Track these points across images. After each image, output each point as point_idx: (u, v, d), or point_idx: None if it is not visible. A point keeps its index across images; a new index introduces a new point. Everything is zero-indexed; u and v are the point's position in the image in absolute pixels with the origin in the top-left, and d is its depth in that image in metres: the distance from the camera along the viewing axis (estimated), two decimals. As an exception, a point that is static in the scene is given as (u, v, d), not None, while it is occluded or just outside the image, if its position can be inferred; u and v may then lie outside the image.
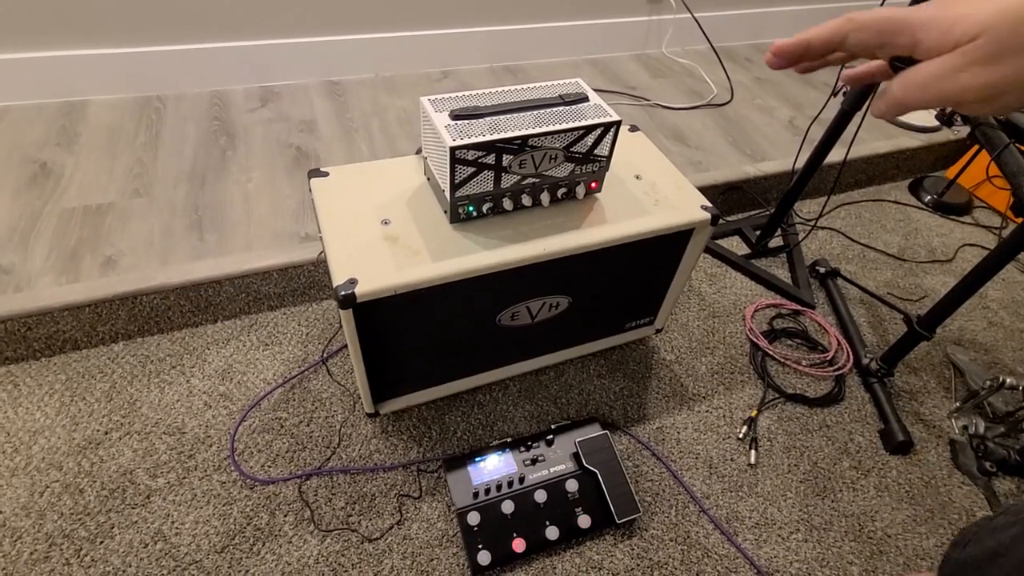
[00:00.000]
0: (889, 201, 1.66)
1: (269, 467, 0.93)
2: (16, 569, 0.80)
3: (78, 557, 0.82)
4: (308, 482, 0.92)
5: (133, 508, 0.87)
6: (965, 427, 1.10)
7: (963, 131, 1.77)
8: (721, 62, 1.95)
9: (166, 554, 0.83)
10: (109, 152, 1.33)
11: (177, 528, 0.86)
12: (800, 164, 1.28)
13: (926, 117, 1.78)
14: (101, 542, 0.83)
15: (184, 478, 0.91)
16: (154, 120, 1.44)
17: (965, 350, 1.26)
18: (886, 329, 1.29)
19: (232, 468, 0.92)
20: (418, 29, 1.69)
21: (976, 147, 1.60)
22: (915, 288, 1.40)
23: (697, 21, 1.93)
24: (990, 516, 0.54)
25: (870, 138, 1.69)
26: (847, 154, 1.24)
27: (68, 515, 0.85)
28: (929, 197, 1.66)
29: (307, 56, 1.61)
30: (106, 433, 0.95)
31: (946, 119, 1.07)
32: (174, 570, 0.82)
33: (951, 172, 1.70)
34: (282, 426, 0.99)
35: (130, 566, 0.81)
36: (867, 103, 1.08)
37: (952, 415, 1.13)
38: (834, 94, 1.12)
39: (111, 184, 1.25)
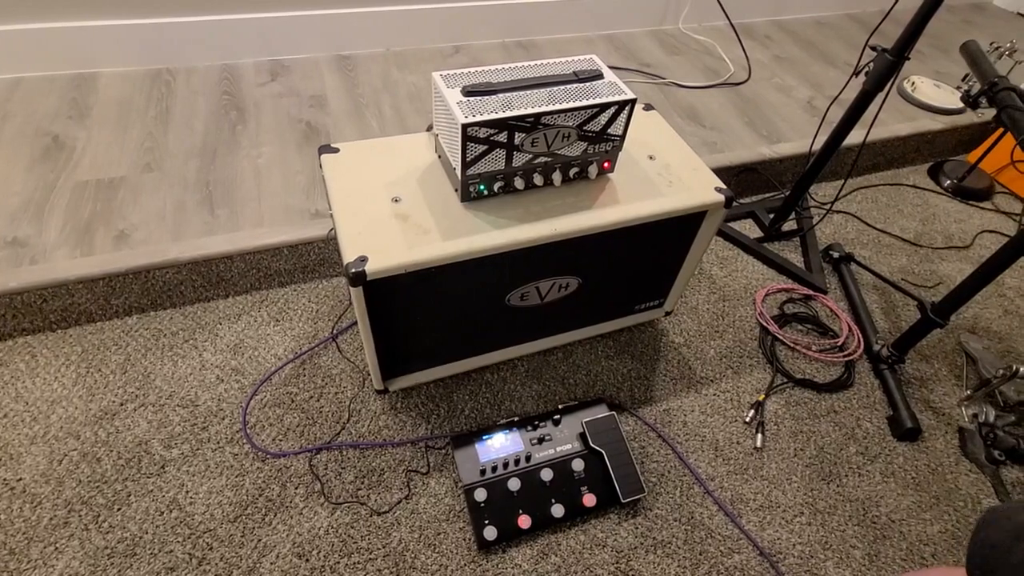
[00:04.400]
0: (907, 185, 1.63)
1: (280, 440, 0.95)
2: (36, 534, 0.82)
3: (96, 523, 0.84)
4: (318, 456, 0.94)
5: (148, 477, 0.89)
6: (975, 415, 1.09)
7: (988, 113, 1.72)
8: (739, 39, 1.90)
9: (181, 522, 0.85)
10: (120, 126, 1.33)
11: (191, 497, 0.88)
12: (817, 146, 1.25)
13: (950, 98, 1.73)
14: (118, 509, 0.86)
15: (198, 449, 0.93)
16: (164, 94, 1.44)
17: (979, 338, 1.24)
18: (899, 316, 1.28)
19: (244, 441, 0.94)
20: (430, 3, 1.65)
21: (1000, 131, 1.55)
22: (930, 275, 1.38)
23: (716, -4, 1.88)
24: (1021, 500, 0.56)
25: (891, 120, 1.65)
26: (866, 136, 1.21)
27: (86, 483, 0.88)
28: (949, 182, 1.62)
29: (318, 29, 1.59)
30: (121, 404, 0.97)
31: (972, 101, 1.04)
32: (189, 538, 0.84)
33: (973, 156, 1.66)
34: (293, 401, 1.00)
35: (147, 532, 0.84)
36: (890, 83, 1.05)
37: (962, 403, 1.12)
38: (855, 74, 1.09)
39: (123, 158, 1.25)
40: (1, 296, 0.98)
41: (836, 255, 1.34)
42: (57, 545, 0.82)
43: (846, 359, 1.16)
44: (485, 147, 0.74)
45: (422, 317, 0.87)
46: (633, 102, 0.78)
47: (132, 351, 1.04)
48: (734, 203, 0.90)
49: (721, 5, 1.88)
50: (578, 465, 0.93)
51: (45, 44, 1.39)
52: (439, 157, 0.87)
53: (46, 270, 1.01)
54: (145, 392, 0.99)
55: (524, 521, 0.87)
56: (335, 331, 1.10)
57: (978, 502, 1.00)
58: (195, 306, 1.12)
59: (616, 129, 0.80)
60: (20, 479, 0.87)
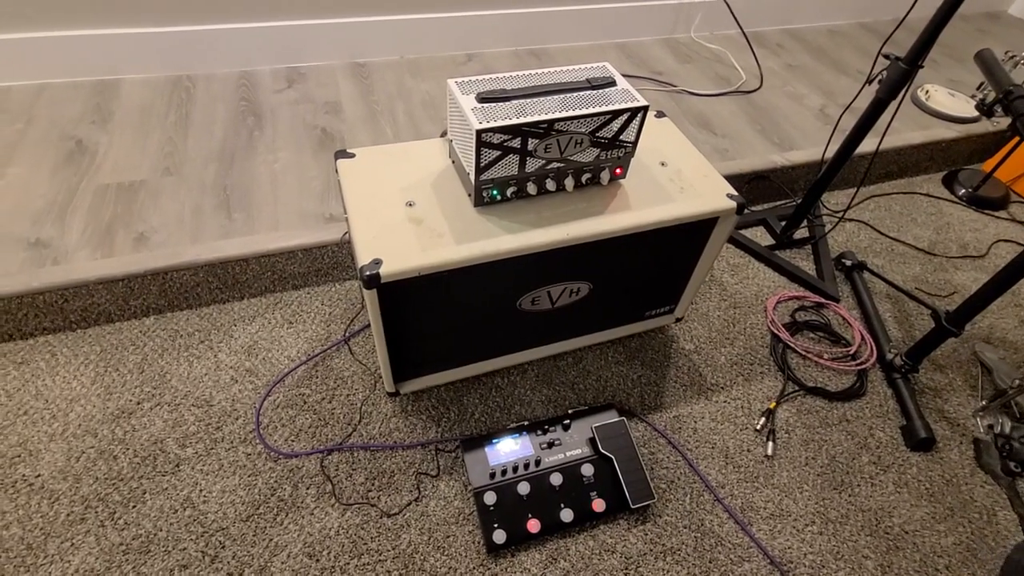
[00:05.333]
0: (921, 194, 1.62)
1: (292, 441, 0.96)
2: (53, 529, 0.84)
3: (112, 520, 0.85)
4: (330, 457, 0.95)
5: (163, 476, 0.91)
6: (990, 426, 1.07)
7: (1003, 122, 1.71)
8: (751, 47, 1.90)
9: (195, 520, 0.86)
10: (141, 130, 1.36)
11: (205, 496, 0.89)
12: (830, 154, 1.25)
13: (965, 107, 1.72)
14: (134, 507, 0.87)
15: (212, 449, 0.94)
16: (184, 100, 1.47)
17: (994, 348, 1.23)
18: (912, 325, 1.27)
19: (257, 441, 0.95)
20: (443, 11, 1.68)
21: (1016, 139, 1.54)
22: (944, 284, 1.37)
23: (728, 4, 1.88)
24: None
25: (904, 128, 1.64)
26: (879, 144, 1.21)
27: (103, 480, 0.89)
28: (964, 190, 1.61)
29: (333, 37, 1.62)
30: (138, 403, 0.98)
31: (986, 109, 1.04)
32: (202, 536, 0.85)
33: (988, 165, 1.65)
34: (305, 402, 1.01)
35: (161, 530, 0.85)
36: (903, 91, 1.05)
37: (977, 414, 1.10)
38: (868, 82, 1.09)
39: (143, 162, 1.28)
40: (24, 296, 1.00)
41: (849, 263, 1.34)
42: (73, 541, 0.83)
43: (858, 368, 1.15)
44: (499, 152, 0.75)
45: (434, 320, 0.88)
46: (645, 109, 0.78)
47: (149, 351, 1.06)
48: (745, 210, 0.90)
49: (733, 13, 1.89)
50: (588, 470, 0.93)
51: (70, 51, 1.43)
52: (453, 162, 0.88)
53: (67, 271, 1.03)
54: (161, 392, 1.00)
55: (533, 525, 0.87)
56: (347, 334, 1.11)
57: (993, 514, 0.98)
58: (211, 308, 1.14)
59: (628, 136, 0.81)
60: (39, 475, 0.89)
